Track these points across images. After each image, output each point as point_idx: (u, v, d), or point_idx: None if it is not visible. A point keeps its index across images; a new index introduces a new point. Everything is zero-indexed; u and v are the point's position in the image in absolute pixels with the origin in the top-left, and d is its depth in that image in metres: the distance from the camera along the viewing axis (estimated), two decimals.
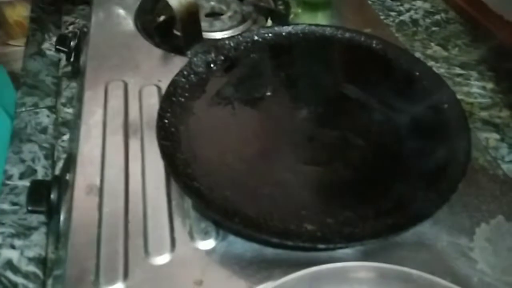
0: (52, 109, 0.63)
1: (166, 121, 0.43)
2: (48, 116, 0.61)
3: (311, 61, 0.52)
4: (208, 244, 0.38)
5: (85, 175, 0.44)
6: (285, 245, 0.35)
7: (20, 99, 0.64)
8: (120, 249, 0.38)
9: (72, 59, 0.63)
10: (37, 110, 0.62)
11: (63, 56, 0.68)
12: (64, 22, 0.80)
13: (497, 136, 0.52)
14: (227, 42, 0.52)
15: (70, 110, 0.62)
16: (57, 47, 0.62)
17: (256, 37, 0.53)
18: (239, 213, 0.36)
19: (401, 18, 0.72)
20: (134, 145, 0.46)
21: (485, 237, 0.40)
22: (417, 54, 0.63)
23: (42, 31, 0.78)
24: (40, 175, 0.52)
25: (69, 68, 0.68)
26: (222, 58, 0.51)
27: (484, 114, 0.55)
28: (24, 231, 0.46)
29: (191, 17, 0.47)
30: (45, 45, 0.74)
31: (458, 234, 0.40)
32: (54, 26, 0.80)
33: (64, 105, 0.64)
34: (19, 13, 0.96)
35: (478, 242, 0.39)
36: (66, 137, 0.58)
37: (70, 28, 0.78)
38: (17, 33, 0.98)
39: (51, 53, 0.73)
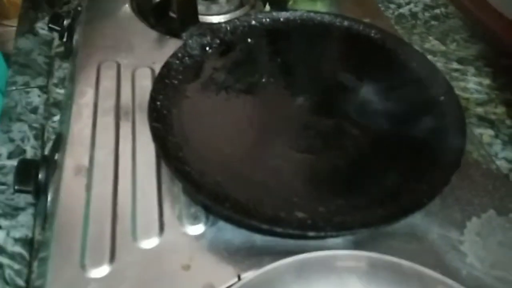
0: (43, 89, 0.62)
1: (159, 103, 0.42)
2: (39, 96, 0.60)
3: (308, 48, 0.51)
4: (197, 229, 0.38)
5: (74, 156, 0.43)
6: (275, 232, 0.35)
7: (11, 77, 0.63)
8: (107, 231, 0.37)
9: (65, 39, 0.62)
10: (28, 89, 0.61)
11: (56, 36, 0.66)
12: (58, 1, 0.79)
13: (491, 132, 0.52)
14: (223, 25, 0.51)
15: (61, 91, 0.61)
16: (50, 25, 0.61)
17: (253, 22, 0.52)
18: (230, 199, 0.35)
19: (401, 10, 0.72)
20: (125, 127, 0.45)
21: (476, 231, 0.39)
22: (415, 48, 0.63)
23: (35, 9, 0.76)
24: (29, 155, 0.51)
25: (62, 48, 0.66)
26: (218, 41, 0.50)
27: (479, 110, 0.55)
28: (11, 212, 0.46)
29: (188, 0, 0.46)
30: (38, 24, 0.73)
31: (449, 227, 0.40)
32: (48, 5, 0.78)
33: (56, 85, 0.63)
34: None
35: (469, 235, 0.39)
36: (56, 118, 0.57)
37: (65, 7, 0.76)
38: (11, 13, 0.96)
39: (44, 32, 0.71)
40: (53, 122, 0.57)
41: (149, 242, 0.37)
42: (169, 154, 0.37)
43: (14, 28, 0.75)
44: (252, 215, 0.35)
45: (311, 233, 0.33)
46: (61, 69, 0.65)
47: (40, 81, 0.63)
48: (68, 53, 0.62)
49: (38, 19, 0.74)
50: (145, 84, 0.49)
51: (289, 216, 0.35)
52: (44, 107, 0.59)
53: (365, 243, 0.37)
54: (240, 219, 0.35)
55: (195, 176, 0.36)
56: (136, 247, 0.36)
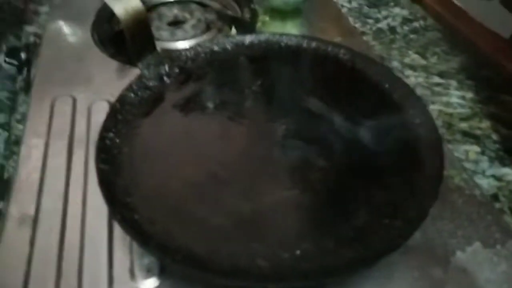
0: (4, 126, 0.58)
1: (108, 142, 0.38)
2: None
3: (274, 73, 0.48)
4: (150, 283, 0.34)
5: (19, 203, 0.39)
6: (235, 285, 0.31)
7: None
8: None
9: (25, 73, 0.59)
10: None
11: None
12: (25, 33, 0.76)
13: (477, 148, 0.48)
14: (183, 52, 0.48)
15: None
16: (6, 60, 0.58)
17: (215, 47, 0.49)
18: (182, 249, 0.32)
19: (379, 25, 0.69)
20: (77, 169, 0.42)
21: (461, 268, 0.36)
22: (395, 63, 0.60)
23: (0, 42, 0.73)
24: None
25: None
26: (177, 70, 0.46)
27: (463, 125, 0.52)
28: None
29: (140, 26, 0.43)
30: (1, 58, 0.70)
31: (431, 265, 0.36)
32: (15, 37, 0.75)
33: (18, 121, 0.60)
34: None
35: (453, 273, 0.35)
36: None
37: (31, 39, 0.74)
38: None
39: (7, 66, 0.68)
40: (14, 161, 0.54)
41: None
42: (115, 200, 0.34)
43: None
44: (206, 268, 0.31)
45: (272, 286, 0.30)
46: (25, 104, 0.62)
47: (1, 118, 0.60)
48: (28, 88, 0.59)
49: (2, 52, 0.71)
50: (101, 119, 0.46)
51: (249, 266, 0.31)
52: (5, 146, 0.55)
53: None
54: (193, 272, 0.31)
55: (143, 225, 0.33)
56: None
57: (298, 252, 0.32)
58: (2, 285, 0.34)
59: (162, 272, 0.34)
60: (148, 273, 0.34)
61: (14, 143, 0.57)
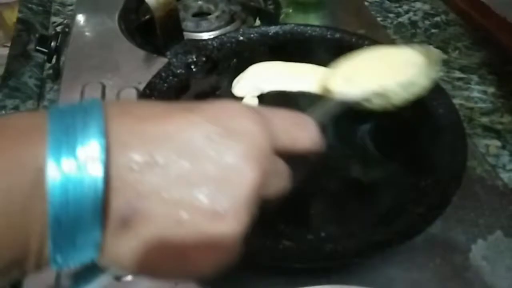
0: None
1: None
2: None
3: (299, 63, 0.49)
4: None
5: None
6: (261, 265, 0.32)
7: (0, 101, 0.61)
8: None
9: (53, 61, 0.61)
10: None
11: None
12: (52, 23, 0.78)
13: (498, 143, 0.49)
14: (210, 42, 0.49)
15: None
16: (38, 48, 0.60)
17: (241, 37, 0.50)
18: None
19: (400, 20, 0.69)
20: None
21: (482, 255, 0.36)
22: None
23: (28, 32, 0.75)
24: None
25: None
26: (204, 59, 0.48)
27: (484, 119, 0.52)
28: None
29: (170, 16, 0.44)
30: (31, 46, 0.72)
31: (452, 252, 0.37)
32: (42, 27, 0.78)
33: (46, 108, 0.62)
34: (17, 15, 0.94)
35: (474, 260, 0.36)
36: None
37: (58, 29, 0.76)
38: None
39: (36, 54, 0.70)
40: None
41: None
42: None
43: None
44: None
45: (297, 265, 0.31)
46: (53, 91, 0.64)
47: (30, 104, 0.62)
48: (57, 76, 0.61)
49: (31, 41, 0.73)
50: None
51: (275, 246, 0.32)
52: None
53: (359, 272, 0.34)
54: None
55: None
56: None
57: (323, 234, 0.33)
58: None
59: None
60: None
61: None
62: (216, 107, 0.21)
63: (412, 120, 0.42)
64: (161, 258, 0.19)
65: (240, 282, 0.34)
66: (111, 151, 0.18)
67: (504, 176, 0.44)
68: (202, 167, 0.19)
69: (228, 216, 0.19)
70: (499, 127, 0.51)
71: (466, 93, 0.55)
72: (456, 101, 0.53)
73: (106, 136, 0.18)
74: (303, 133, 0.25)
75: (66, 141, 0.18)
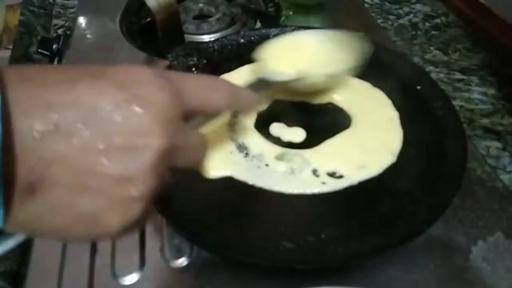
0: None
1: None
2: None
3: None
4: (180, 262, 0.35)
5: None
6: (262, 266, 0.32)
7: None
8: (85, 267, 0.35)
9: (55, 63, 0.61)
10: None
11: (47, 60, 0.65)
12: (53, 26, 0.78)
13: (498, 144, 0.49)
14: (210, 44, 0.49)
15: None
16: (39, 50, 0.60)
17: (242, 40, 0.50)
18: (212, 231, 0.33)
19: (400, 21, 0.69)
20: None
21: (482, 256, 0.36)
22: (416, 59, 0.61)
23: (30, 34, 0.76)
24: None
25: None
26: (205, 61, 0.48)
27: (485, 121, 0.52)
28: None
29: (171, 18, 0.44)
30: (32, 49, 0.72)
31: (452, 253, 0.37)
32: (43, 30, 0.78)
33: None
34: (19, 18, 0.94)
35: (474, 262, 0.36)
36: None
37: (59, 31, 0.76)
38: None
39: (38, 56, 0.70)
40: None
41: (129, 278, 0.34)
42: None
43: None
44: (235, 248, 0.32)
45: (298, 266, 0.31)
46: None
47: None
48: None
49: (32, 43, 0.74)
50: None
51: (275, 248, 0.33)
52: None
53: (360, 274, 0.34)
54: (221, 253, 0.32)
55: (173, 205, 0.34)
56: (115, 284, 0.34)
57: (323, 235, 0.33)
58: (42, 257, 0.36)
59: (192, 252, 0.36)
60: (178, 253, 0.36)
61: None
62: (124, 73, 0.21)
63: (411, 122, 0.42)
64: (70, 222, 0.20)
65: (241, 283, 0.34)
66: (11, 118, 0.18)
67: (505, 177, 0.44)
68: (108, 134, 0.20)
69: (134, 180, 0.20)
70: (500, 128, 0.51)
71: (466, 94, 0.56)
72: (456, 102, 0.53)
73: (4, 103, 0.17)
74: (214, 94, 0.25)
75: None
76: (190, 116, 0.25)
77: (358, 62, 0.42)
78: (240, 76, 0.44)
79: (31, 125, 0.18)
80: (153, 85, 0.21)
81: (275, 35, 0.51)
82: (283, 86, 0.40)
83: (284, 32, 0.51)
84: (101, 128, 0.19)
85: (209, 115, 0.27)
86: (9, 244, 0.21)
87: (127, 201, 0.20)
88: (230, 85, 0.28)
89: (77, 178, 0.19)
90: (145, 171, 0.20)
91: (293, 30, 0.50)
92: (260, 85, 0.35)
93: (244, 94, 0.30)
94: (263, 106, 0.42)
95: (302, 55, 0.42)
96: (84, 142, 0.19)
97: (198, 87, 0.25)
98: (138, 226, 0.22)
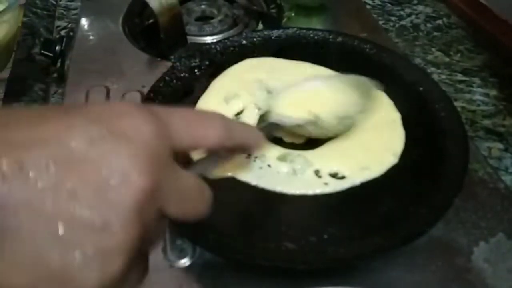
0: None
1: None
2: None
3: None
4: (183, 263, 0.36)
5: None
6: (264, 266, 0.32)
7: (6, 105, 0.62)
8: None
9: (58, 65, 0.61)
10: None
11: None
12: (56, 27, 0.79)
13: (500, 145, 0.49)
14: (213, 46, 0.49)
15: None
16: (42, 51, 0.60)
17: (244, 41, 0.50)
18: (214, 231, 0.33)
19: (402, 23, 0.70)
20: None
21: (484, 257, 0.37)
22: (418, 60, 0.61)
23: (33, 36, 0.76)
24: None
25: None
26: (207, 63, 0.48)
27: (487, 122, 0.52)
28: None
29: (174, 20, 0.44)
30: (35, 50, 0.72)
31: (454, 254, 0.37)
32: (46, 31, 0.78)
33: None
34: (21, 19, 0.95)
35: (476, 262, 0.36)
36: None
37: (62, 33, 0.76)
38: None
39: (41, 58, 0.71)
40: None
41: None
42: None
43: None
44: (236, 249, 0.32)
45: (300, 267, 0.31)
46: (57, 95, 0.65)
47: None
48: (61, 79, 0.62)
49: (35, 45, 0.74)
50: None
51: (277, 248, 0.33)
52: None
53: (362, 275, 0.34)
54: (223, 253, 0.32)
55: None
56: None
57: (325, 236, 0.34)
58: None
59: (194, 253, 0.36)
60: (181, 253, 0.36)
61: None
62: (101, 108, 0.19)
63: (413, 123, 0.42)
64: (36, 283, 0.17)
65: (243, 284, 0.34)
66: None
67: (507, 178, 0.44)
68: (81, 174, 0.17)
69: (112, 227, 0.17)
70: (502, 129, 0.51)
71: (468, 95, 0.56)
72: (458, 103, 0.53)
73: None
74: (207, 130, 0.23)
75: None
76: (183, 156, 0.23)
77: (369, 104, 0.41)
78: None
79: None
80: (135, 118, 0.19)
81: (277, 37, 0.51)
82: (294, 130, 0.40)
83: (286, 34, 0.51)
84: (71, 168, 0.17)
85: (202, 150, 0.25)
86: None
87: (104, 253, 0.17)
88: (225, 119, 0.25)
89: (46, 225, 0.16)
90: (124, 216, 0.17)
91: (296, 31, 0.50)
92: (271, 129, 0.36)
93: (242, 128, 0.28)
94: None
95: (315, 100, 0.40)
96: (52, 185, 0.16)
97: (187, 121, 0.22)
98: (116, 279, 0.18)
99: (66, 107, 0.19)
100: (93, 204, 0.17)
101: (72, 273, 0.17)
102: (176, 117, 0.21)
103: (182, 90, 0.46)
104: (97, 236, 0.17)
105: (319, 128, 0.39)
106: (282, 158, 0.39)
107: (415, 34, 0.67)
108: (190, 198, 0.22)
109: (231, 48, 0.50)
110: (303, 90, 0.41)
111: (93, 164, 0.17)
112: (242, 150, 0.31)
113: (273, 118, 0.38)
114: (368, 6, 0.71)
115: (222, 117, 0.25)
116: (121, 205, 0.17)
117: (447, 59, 0.62)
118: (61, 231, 0.16)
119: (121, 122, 0.18)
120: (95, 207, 0.17)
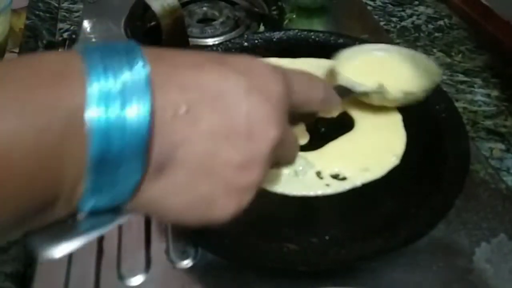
0: None
1: None
2: None
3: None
4: (185, 264, 0.36)
5: None
6: (266, 267, 0.33)
7: None
8: (91, 268, 0.35)
9: None
10: None
11: None
12: (59, 30, 0.79)
13: (502, 146, 0.49)
14: (214, 48, 0.49)
15: None
16: None
17: (245, 43, 0.51)
18: (216, 232, 0.33)
19: (403, 23, 0.70)
20: None
21: (486, 258, 0.37)
22: None
23: (36, 38, 0.77)
24: None
25: None
26: None
27: (488, 123, 0.52)
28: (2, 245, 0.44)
29: (176, 22, 0.45)
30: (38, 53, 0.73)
31: (455, 255, 0.37)
32: (49, 34, 0.79)
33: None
34: (24, 22, 0.95)
35: (478, 263, 0.36)
36: None
37: (65, 35, 0.77)
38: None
39: None
40: None
41: (135, 280, 0.35)
42: None
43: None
44: (237, 251, 0.32)
45: (302, 268, 0.31)
46: None
47: None
48: None
49: (38, 48, 0.74)
50: None
51: (279, 249, 0.33)
52: None
53: (363, 276, 0.35)
54: (225, 254, 0.33)
55: None
56: (121, 285, 0.35)
57: (326, 237, 0.34)
58: (48, 260, 0.36)
59: (197, 254, 0.36)
60: (183, 254, 0.36)
61: None
62: (245, 63, 0.22)
63: (415, 124, 0.42)
64: (189, 205, 0.20)
65: (245, 285, 0.34)
66: (154, 95, 0.18)
67: (508, 179, 0.44)
68: (233, 121, 0.20)
69: (252, 169, 0.21)
70: (503, 130, 0.51)
71: (469, 96, 0.56)
72: (459, 104, 0.53)
73: (150, 78, 0.18)
74: (313, 91, 0.26)
75: (107, 81, 0.17)
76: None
77: (433, 84, 0.42)
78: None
79: (169, 105, 0.19)
80: (271, 77, 0.22)
81: (279, 38, 0.51)
82: (359, 97, 0.41)
83: (287, 35, 0.52)
84: (227, 114, 0.20)
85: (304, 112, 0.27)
86: (117, 222, 0.21)
87: (243, 188, 0.21)
88: (325, 84, 0.28)
89: (202, 162, 0.20)
90: (261, 160, 0.21)
91: (297, 33, 0.50)
92: (339, 92, 0.35)
93: (334, 94, 0.30)
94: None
95: (382, 69, 0.42)
96: (211, 127, 0.20)
97: (302, 84, 0.25)
98: (243, 211, 0.22)
99: (216, 57, 0.22)
100: (240, 148, 0.20)
101: (216, 202, 0.21)
102: (296, 80, 0.24)
103: None
104: (239, 174, 0.20)
105: (383, 99, 0.40)
106: None
107: (416, 35, 0.67)
108: (291, 147, 0.26)
109: (233, 50, 0.50)
110: (369, 57, 0.43)
111: (242, 112, 0.20)
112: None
113: (343, 81, 0.39)
114: (369, 7, 0.71)
115: (324, 82, 0.28)
116: (260, 151, 0.21)
117: (449, 60, 0.62)
118: (213, 166, 0.20)
119: (262, 79, 0.21)
120: (241, 150, 0.20)
